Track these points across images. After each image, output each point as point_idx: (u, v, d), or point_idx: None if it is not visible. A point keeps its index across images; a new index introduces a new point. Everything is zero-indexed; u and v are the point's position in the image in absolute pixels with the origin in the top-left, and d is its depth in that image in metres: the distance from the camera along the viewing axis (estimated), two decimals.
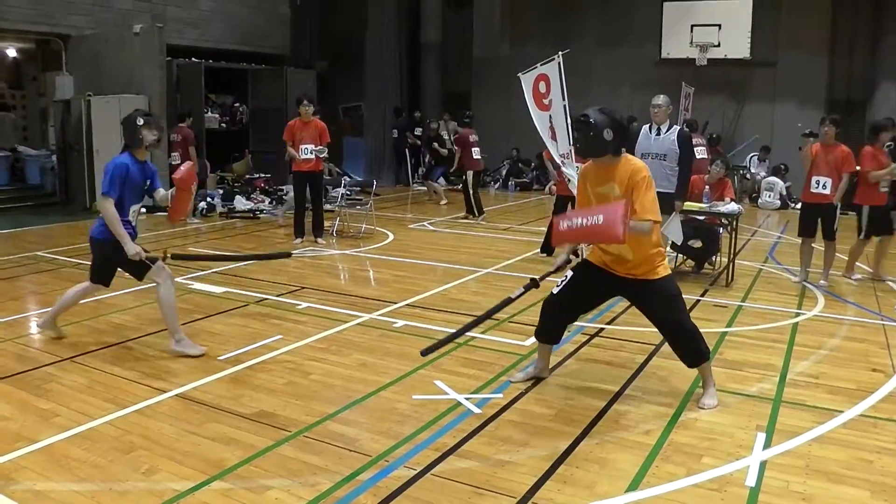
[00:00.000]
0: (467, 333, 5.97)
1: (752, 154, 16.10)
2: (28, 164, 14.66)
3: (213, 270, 8.24)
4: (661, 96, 7.73)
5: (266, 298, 7.16)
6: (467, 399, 4.65)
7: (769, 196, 15.02)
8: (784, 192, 14.97)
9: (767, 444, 4.08)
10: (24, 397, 4.66)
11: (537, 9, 18.24)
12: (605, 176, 4.51)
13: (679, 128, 7.83)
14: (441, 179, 16.34)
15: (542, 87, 8.84)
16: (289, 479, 3.64)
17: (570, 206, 6.20)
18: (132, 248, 5.30)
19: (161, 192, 5.68)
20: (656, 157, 7.65)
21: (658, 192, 7.79)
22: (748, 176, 15.95)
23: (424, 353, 4.70)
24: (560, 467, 3.78)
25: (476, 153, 12.87)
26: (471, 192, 12.80)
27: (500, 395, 4.74)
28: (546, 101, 8.83)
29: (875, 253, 8.35)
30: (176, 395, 4.71)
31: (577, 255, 4.90)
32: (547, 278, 4.78)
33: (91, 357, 5.42)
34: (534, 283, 4.77)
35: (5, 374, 5.04)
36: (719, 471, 3.76)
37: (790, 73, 15.67)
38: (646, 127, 7.89)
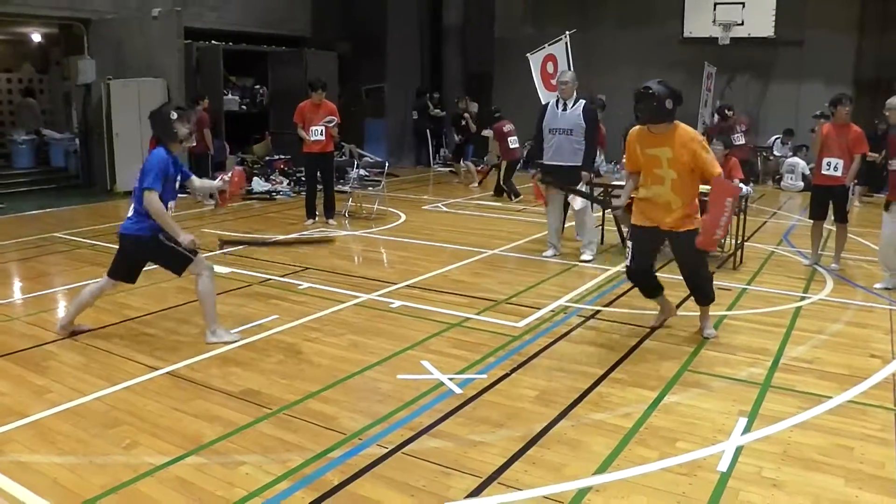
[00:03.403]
0: (463, 315, 6.03)
1: (776, 136, 15.82)
2: (52, 148, 14.92)
3: (223, 252, 8.34)
4: (569, 72, 7.81)
5: (269, 279, 7.24)
6: (451, 379, 4.67)
7: (791, 178, 14.77)
8: (807, 173, 14.68)
9: (747, 430, 4.04)
10: (22, 373, 4.79)
11: None
12: (658, 140, 5.16)
13: (585, 102, 7.76)
14: (469, 163, 16.24)
15: (550, 68, 8.82)
16: (262, 455, 3.70)
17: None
18: (186, 237, 5.13)
19: (196, 182, 5.61)
20: (563, 133, 7.64)
21: (565, 166, 7.96)
22: (771, 158, 15.70)
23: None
24: (531, 448, 3.78)
25: (512, 142, 12.94)
26: (502, 180, 13.01)
27: (485, 376, 4.75)
28: (554, 82, 8.78)
29: None
30: (167, 372, 4.80)
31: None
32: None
33: (92, 336, 5.52)
34: (606, 202, 5.64)
35: (7, 350, 5.18)
36: (692, 455, 3.74)
37: (816, 53, 15.32)
38: (552, 102, 7.82)
